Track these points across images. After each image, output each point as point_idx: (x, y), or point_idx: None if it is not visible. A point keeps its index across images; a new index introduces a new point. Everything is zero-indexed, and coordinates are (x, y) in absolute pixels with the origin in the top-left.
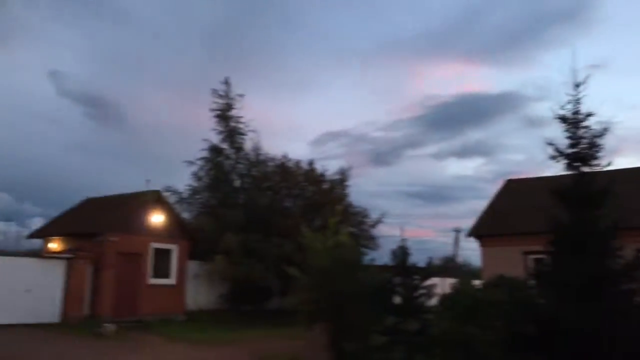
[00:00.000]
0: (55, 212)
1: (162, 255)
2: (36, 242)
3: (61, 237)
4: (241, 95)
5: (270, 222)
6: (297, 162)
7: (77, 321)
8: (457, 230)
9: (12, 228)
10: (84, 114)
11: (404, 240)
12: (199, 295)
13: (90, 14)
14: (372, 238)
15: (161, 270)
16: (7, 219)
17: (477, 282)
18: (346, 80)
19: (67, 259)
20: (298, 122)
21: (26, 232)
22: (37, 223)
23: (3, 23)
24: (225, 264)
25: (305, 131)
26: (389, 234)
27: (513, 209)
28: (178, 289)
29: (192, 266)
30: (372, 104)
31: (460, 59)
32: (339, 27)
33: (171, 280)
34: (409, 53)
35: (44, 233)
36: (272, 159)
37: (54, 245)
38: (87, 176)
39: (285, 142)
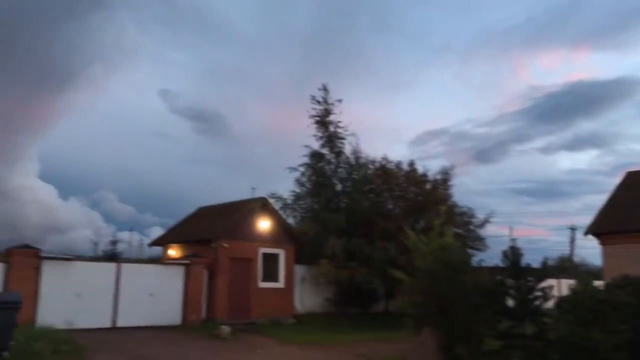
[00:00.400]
0: (171, 221)
1: (270, 260)
2: (156, 250)
3: (178, 245)
4: (339, 101)
5: (372, 225)
6: (398, 164)
7: (195, 323)
8: (573, 228)
9: (134, 237)
10: (193, 129)
11: (514, 240)
12: (306, 298)
13: (195, 35)
14: (480, 239)
15: (270, 274)
16: (130, 229)
17: (598, 284)
18: (444, 77)
19: (185, 264)
20: (397, 123)
21: (147, 240)
22: (156, 232)
23: (120, 48)
24: (330, 268)
25: (404, 132)
26: (497, 234)
27: (636, 203)
28: (286, 292)
29: (299, 270)
30: (472, 100)
31: (567, 45)
32: (435, 24)
33: (280, 284)
34: (510, 44)
35: (163, 241)
36: (372, 162)
37: (173, 252)
38: (198, 186)
39: (384, 143)
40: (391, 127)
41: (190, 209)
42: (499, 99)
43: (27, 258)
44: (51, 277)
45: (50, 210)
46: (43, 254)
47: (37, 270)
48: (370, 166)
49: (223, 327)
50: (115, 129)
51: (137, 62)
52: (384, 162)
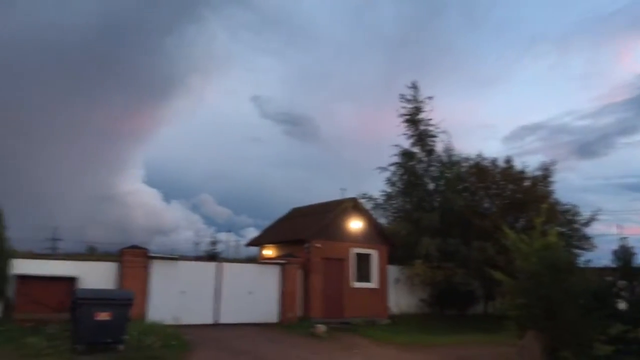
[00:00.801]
0: (266, 223)
1: (363, 260)
2: (252, 250)
3: (273, 245)
4: (430, 98)
5: (468, 225)
6: (493, 160)
7: (292, 321)
8: None
9: (231, 238)
10: (283, 132)
11: (624, 239)
12: (400, 299)
13: (283, 40)
14: (586, 238)
15: (363, 274)
16: (228, 230)
17: None
18: (539, 69)
19: (281, 264)
20: (489, 118)
21: (243, 241)
22: (252, 233)
23: (213, 57)
24: (424, 269)
25: (498, 127)
26: (604, 232)
27: None
28: (380, 293)
29: (392, 270)
30: (571, 91)
31: None
32: (525, 15)
33: (373, 284)
34: (613, 29)
35: (259, 241)
36: (466, 159)
37: (268, 252)
38: (290, 188)
39: (477, 140)
40: (484, 123)
41: (283, 210)
42: (602, 88)
43: (137, 258)
44: (159, 275)
45: (155, 214)
46: (151, 254)
47: (146, 269)
48: (464, 164)
49: (319, 325)
50: (212, 136)
51: (230, 70)
52: (478, 160)
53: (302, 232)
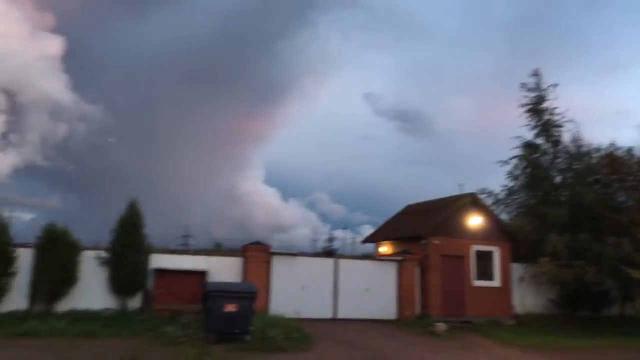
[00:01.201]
0: (381, 220)
1: (484, 258)
2: (368, 247)
3: (389, 242)
4: (554, 86)
5: (600, 220)
6: (629, 150)
7: (410, 319)
8: None
9: (347, 235)
10: (397, 129)
11: None
12: (525, 298)
13: (394, 36)
14: None
15: (484, 272)
16: (344, 227)
17: None
18: None
19: (398, 261)
20: (624, 104)
21: (359, 238)
22: (367, 230)
23: (325, 59)
24: (552, 267)
25: (632, 114)
26: None
27: None
28: (503, 292)
29: (516, 269)
30: None
31: None
32: None
33: (495, 283)
34: None
35: (375, 238)
36: (597, 150)
37: (385, 249)
38: (404, 185)
39: (610, 129)
40: (616, 110)
41: (398, 207)
42: None
43: (259, 254)
44: (280, 270)
45: (274, 212)
46: (272, 250)
47: (268, 264)
48: (595, 155)
49: (439, 324)
50: (327, 136)
51: (342, 70)
52: (611, 150)
53: (419, 229)
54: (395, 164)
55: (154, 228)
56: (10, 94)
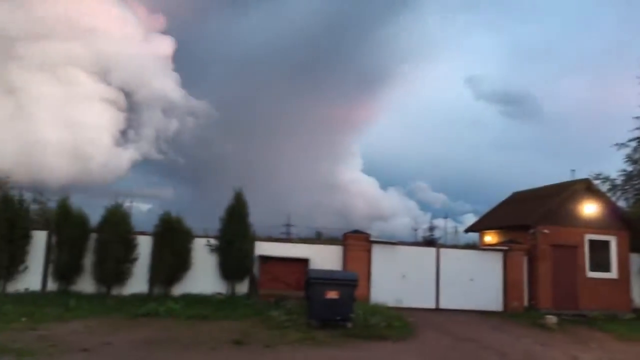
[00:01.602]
0: (483, 208)
1: (599, 248)
2: (471, 236)
3: (494, 231)
4: None
5: None
6: None
7: (517, 310)
8: None
9: (449, 224)
10: (500, 113)
11: None
12: None
13: (498, 15)
14: None
15: (599, 263)
16: (445, 216)
17: None
18: None
19: (503, 250)
20: None
21: (460, 227)
22: (469, 219)
23: (426, 43)
24: None
25: None
26: None
27: None
28: (620, 284)
29: (636, 259)
30: None
31: None
32: None
33: (612, 274)
34: None
35: (478, 227)
36: None
37: (489, 238)
38: (509, 171)
39: None
40: None
41: (502, 194)
42: None
43: (359, 242)
44: (379, 259)
45: (373, 201)
46: (372, 239)
47: (368, 252)
48: None
49: (549, 316)
50: (426, 122)
51: (442, 54)
52: None
53: (526, 217)
54: (500, 149)
55: (257, 216)
56: (127, 94)
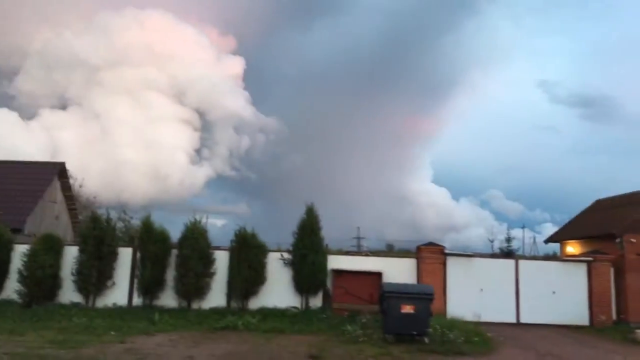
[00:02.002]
0: (563, 216)
1: None
2: (550, 247)
3: (576, 241)
4: None
5: None
6: None
7: (605, 324)
8: None
9: (526, 234)
10: (577, 116)
11: None
12: None
13: (571, 17)
14: None
15: None
16: (522, 226)
17: None
18: None
19: (587, 262)
20: None
21: (539, 237)
22: (548, 228)
23: (494, 48)
24: None
25: None
26: None
27: None
28: None
29: None
30: None
31: None
32: None
33: None
34: None
35: (559, 237)
36: None
37: (571, 249)
38: (589, 177)
39: None
40: None
41: (582, 202)
42: None
43: (433, 254)
44: (455, 272)
45: (445, 211)
46: (447, 251)
47: (443, 265)
48: None
49: (638, 330)
50: (498, 128)
51: (512, 58)
52: None
53: (611, 226)
54: (578, 154)
55: (327, 229)
56: (201, 113)
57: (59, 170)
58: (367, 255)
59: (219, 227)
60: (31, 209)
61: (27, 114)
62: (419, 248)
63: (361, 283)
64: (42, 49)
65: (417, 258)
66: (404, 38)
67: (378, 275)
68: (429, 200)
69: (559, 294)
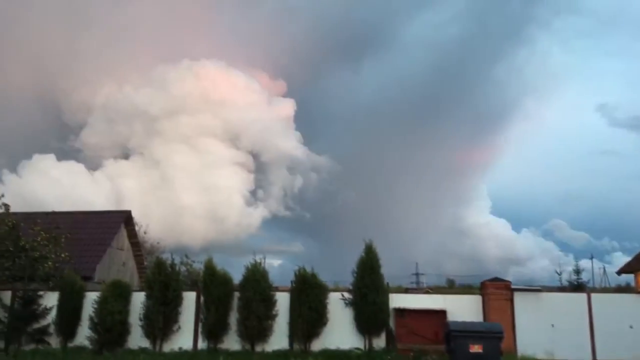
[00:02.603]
0: (633, 244)
1: None
2: (623, 278)
3: None
4: None
5: None
6: None
7: None
8: None
9: (595, 265)
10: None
11: None
12: None
13: (626, 38)
14: None
15: None
16: (590, 256)
17: None
18: None
19: None
20: None
21: (608, 267)
22: (618, 258)
23: (547, 74)
24: None
25: None
26: None
27: None
28: None
29: None
30: None
31: None
32: None
33: None
34: None
35: (633, 267)
36: None
37: None
38: None
39: None
40: None
41: None
42: None
43: (499, 290)
44: (523, 308)
45: (506, 244)
46: (513, 286)
47: (510, 301)
48: None
49: None
50: (555, 155)
51: (567, 84)
52: None
53: None
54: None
55: (385, 266)
56: (255, 156)
57: (125, 218)
58: (427, 292)
59: (276, 267)
60: (100, 256)
61: (93, 165)
62: (483, 284)
63: (425, 322)
64: (105, 103)
65: (482, 294)
66: (452, 69)
67: (442, 313)
68: (488, 232)
69: (637, 328)
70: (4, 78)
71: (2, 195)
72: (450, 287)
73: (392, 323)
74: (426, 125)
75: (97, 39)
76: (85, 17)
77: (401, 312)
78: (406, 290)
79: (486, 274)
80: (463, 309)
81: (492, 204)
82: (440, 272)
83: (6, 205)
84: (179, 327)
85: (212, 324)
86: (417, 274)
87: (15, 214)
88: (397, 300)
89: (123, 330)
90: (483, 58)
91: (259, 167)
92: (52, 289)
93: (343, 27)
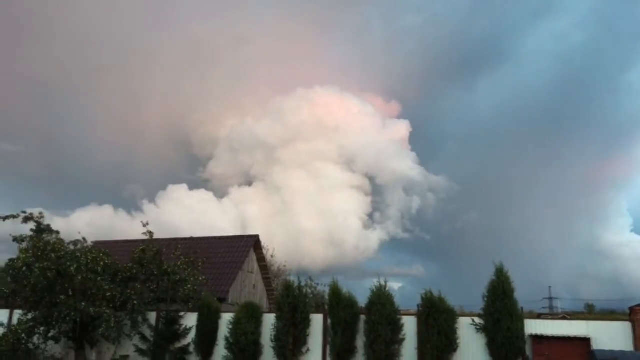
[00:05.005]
0: None
1: None
2: None
3: None
4: None
5: None
6: None
7: None
8: None
9: None
10: None
11: None
12: None
13: None
14: None
15: None
16: None
17: None
18: None
19: None
20: None
21: None
22: None
23: None
24: None
25: None
26: None
27: None
28: None
29: None
30: None
31: None
32: None
33: None
34: None
35: None
36: None
37: None
38: None
39: None
40: None
41: None
42: None
43: None
44: None
45: None
46: None
47: None
48: None
49: None
50: None
51: None
52: None
53: None
54: None
55: (517, 290)
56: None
57: (254, 242)
58: (564, 318)
59: (397, 290)
60: (233, 279)
61: (220, 193)
62: (632, 309)
63: (566, 350)
64: (229, 135)
65: (630, 321)
66: (577, 79)
67: (586, 341)
68: (630, 252)
69: None
70: (140, 118)
71: (147, 224)
72: (590, 313)
73: (529, 351)
74: (551, 139)
75: (220, 77)
76: (211, 58)
77: (539, 339)
78: (539, 316)
79: (631, 299)
80: (609, 337)
81: (633, 221)
82: (575, 297)
83: (150, 233)
84: (308, 349)
85: (339, 347)
86: (550, 298)
87: (157, 240)
88: (533, 327)
89: (256, 350)
90: (612, 64)
91: (375, 189)
92: (191, 310)
93: (456, 45)
